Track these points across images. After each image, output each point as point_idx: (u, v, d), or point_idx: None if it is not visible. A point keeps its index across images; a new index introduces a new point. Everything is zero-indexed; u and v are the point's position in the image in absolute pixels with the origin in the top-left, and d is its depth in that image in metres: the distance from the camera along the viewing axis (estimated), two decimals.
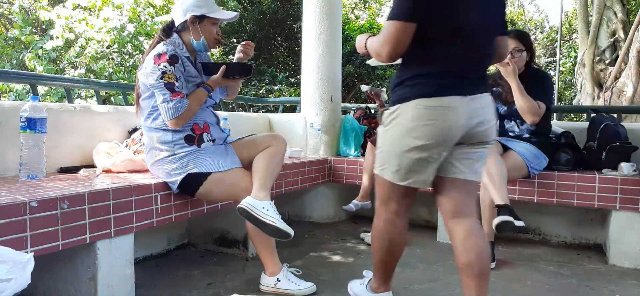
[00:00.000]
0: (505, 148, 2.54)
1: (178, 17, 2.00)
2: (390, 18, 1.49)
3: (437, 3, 1.46)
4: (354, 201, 3.09)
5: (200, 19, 1.98)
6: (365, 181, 2.95)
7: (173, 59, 1.89)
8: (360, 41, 1.72)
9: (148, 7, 8.26)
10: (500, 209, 2.22)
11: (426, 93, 1.51)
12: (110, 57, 8.16)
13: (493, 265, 2.41)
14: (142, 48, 7.95)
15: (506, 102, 2.62)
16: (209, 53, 2.17)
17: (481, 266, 1.58)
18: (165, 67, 1.87)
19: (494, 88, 2.73)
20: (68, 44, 7.80)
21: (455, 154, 1.58)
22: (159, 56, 1.89)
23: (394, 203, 1.67)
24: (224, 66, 1.99)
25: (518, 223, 2.17)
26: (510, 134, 2.62)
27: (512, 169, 2.46)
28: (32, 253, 1.26)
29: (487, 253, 1.62)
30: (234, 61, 2.15)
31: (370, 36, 1.66)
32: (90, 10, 8.06)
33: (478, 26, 1.52)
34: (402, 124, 1.55)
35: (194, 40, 2.01)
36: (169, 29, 2.04)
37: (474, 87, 1.54)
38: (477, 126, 1.55)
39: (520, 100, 2.45)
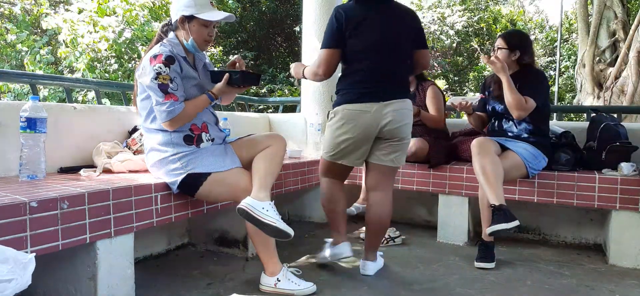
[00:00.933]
0: (504, 148, 2.54)
1: (172, 16, 2.01)
2: (321, 47, 2.14)
3: (347, 32, 2.07)
4: (355, 204, 3.09)
5: (189, 19, 1.96)
6: (364, 184, 2.96)
7: (169, 60, 1.88)
8: (297, 69, 2.37)
9: (144, 10, 8.23)
10: (494, 211, 2.25)
11: (349, 100, 2.11)
12: (108, 61, 8.15)
13: (493, 265, 2.41)
14: (139, 53, 7.94)
15: (503, 101, 2.63)
16: (204, 52, 2.15)
17: (376, 227, 2.25)
18: (160, 68, 1.86)
19: (491, 88, 2.73)
20: (68, 45, 7.81)
21: (378, 146, 2.16)
22: (155, 56, 1.88)
23: (330, 173, 2.31)
24: (226, 74, 1.96)
25: (512, 224, 2.20)
26: (509, 134, 2.62)
27: (511, 169, 2.47)
28: (34, 254, 1.25)
29: (384, 221, 2.24)
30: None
31: (305, 67, 2.30)
32: (95, 13, 8.05)
33: (384, 46, 2.07)
34: (335, 123, 2.16)
35: (185, 41, 2.00)
36: (167, 27, 2.05)
37: (388, 94, 2.08)
38: (389, 125, 2.09)
39: (508, 94, 2.47)
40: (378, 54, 2.08)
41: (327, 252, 2.34)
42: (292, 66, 2.45)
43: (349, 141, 2.13)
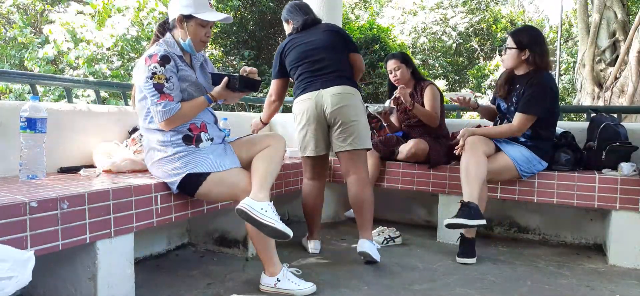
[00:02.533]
0: (499, 148, 2.55)
1: (170, 14, 2.01)
2: (272, 79, 2.64)
3: (284, 57, 2.56)
4: None
5: (187, 18, 1.96)
6: None
7: (164, 60, 1.88)
8: (256, 121, 2.84)
9: (152, 12, 8.24)
10: (462, 206, 2.34)
11: (297, 96, 2.52)
12: (110, 59, 8.14)
13: (474, 260, 2.48)
14: (142, 51, 7.95)
15: (506, 100, 2.63)
16: (203, 52, 2.15)
17: (358, 206, 2.46)
18: (155, 68, 1.86)
19: (499, 86, 2.74)
20: (67, 45, 7.79)
21: (333, 134, 2.46)
22: (150, 56, 1.88)
23: (307, 172, 2.59)
24: (226, 78, 1.96)
25: (473, 222, 2.29)
26: None
27: (501, 170, 2.54)
28: (33, 251, 1.26)
29: (363, 198, 2.44)
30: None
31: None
32: (92, 16, 8.03)
33: (313, 51, 2.47)
34: (294, 116, 2.55)
35: (182, 40, 2.00)
36: (163, 26, 2.04)
37: (324, 84, 2.43)
38: (330, 107, 2.41)
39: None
40: (309, 58, 2.48)
41: (303, 240, 2.73)
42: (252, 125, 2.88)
43: (304, 129, 2.48)
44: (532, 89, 2.46)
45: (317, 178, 2.59)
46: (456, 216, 2.31)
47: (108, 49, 7.92)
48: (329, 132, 2.49)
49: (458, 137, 2.58)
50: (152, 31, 7.96)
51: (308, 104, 2.44)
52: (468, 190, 2.39)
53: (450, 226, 2.33)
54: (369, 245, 2.40)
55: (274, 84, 2.65)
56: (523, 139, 2.57)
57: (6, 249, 1.24)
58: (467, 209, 2.31)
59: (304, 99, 2.47)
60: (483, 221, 2.32)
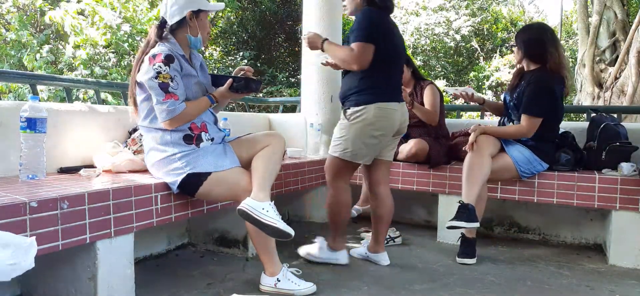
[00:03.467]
0: (503, 147, 2.56)
1: (173, 15, 1.98)
2: (361, 41, 2.10)
3: (380, 32, 2.14)
4: (355, 207, 3.08)
5: (196, 13, 1.99)
6: (365, 186, 2.96)
7: (168, 59, 1.89)
8: (315, 40, 2.29)
9: (144, 2, 8.23)
10: (461, 207, 2.36)
11: (381, 99, 2.18)
12: (107, 58, 8.12)
13: (474, 260, 2.49)
14: (138, 46, 7.92)
15: (511, 93, 2.63)
16: (199, 49, 2.17)
17: (387, 218, 2.41)
18: (160, 67, 1.87)
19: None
20: (64, 39, 7.77)
21: (385, 143, 2.31)
22: (154, 56, 1.89)
23: (340, 176, 2.32)
24: (230, 79, 2.01)
25: (471, 225, 2.33)
26: None
27: (501, 170, 2.55)
28: (34, 237, 1.26)
29: (392, 209, 2.41)
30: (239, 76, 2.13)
31: (326, 39, 2.28)
32: (84, 15, 8.02)
33: (398, 53, 2.27)
34: (364, 120, 2.19)
35: (192, 37, 2.01)
36: (161, 29, 2.01)
37: (400, 96, 2.30)
38: (403, 123, 2.32)
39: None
40: (395, 58, 2.26)
41: (319, 252, 2.43)
42: (310, 34, 2.33)
43: (379, 138, 2.23)
44: (529, 88, 2.48)
45: (348, 183, 2.40)
46: (455, 219, 2.34)
47: (104, 47, 7.91)
48: None
49: (470, 130, 2.56)
50: (146, 22, 7.94)
51: (394, 115, 2.24)
52: (467, 191, 2.41)
53: (451, 228, 2.35)
54: (387, 256, 2.46)
55: (367, 48, 2.11)
56: (524, 139, 2.57)
57: (8, 235, 1.25)
58: (466, 212, 2.33)
59: (391, 108, 2.21)
60: (477, 224, 2.36)
